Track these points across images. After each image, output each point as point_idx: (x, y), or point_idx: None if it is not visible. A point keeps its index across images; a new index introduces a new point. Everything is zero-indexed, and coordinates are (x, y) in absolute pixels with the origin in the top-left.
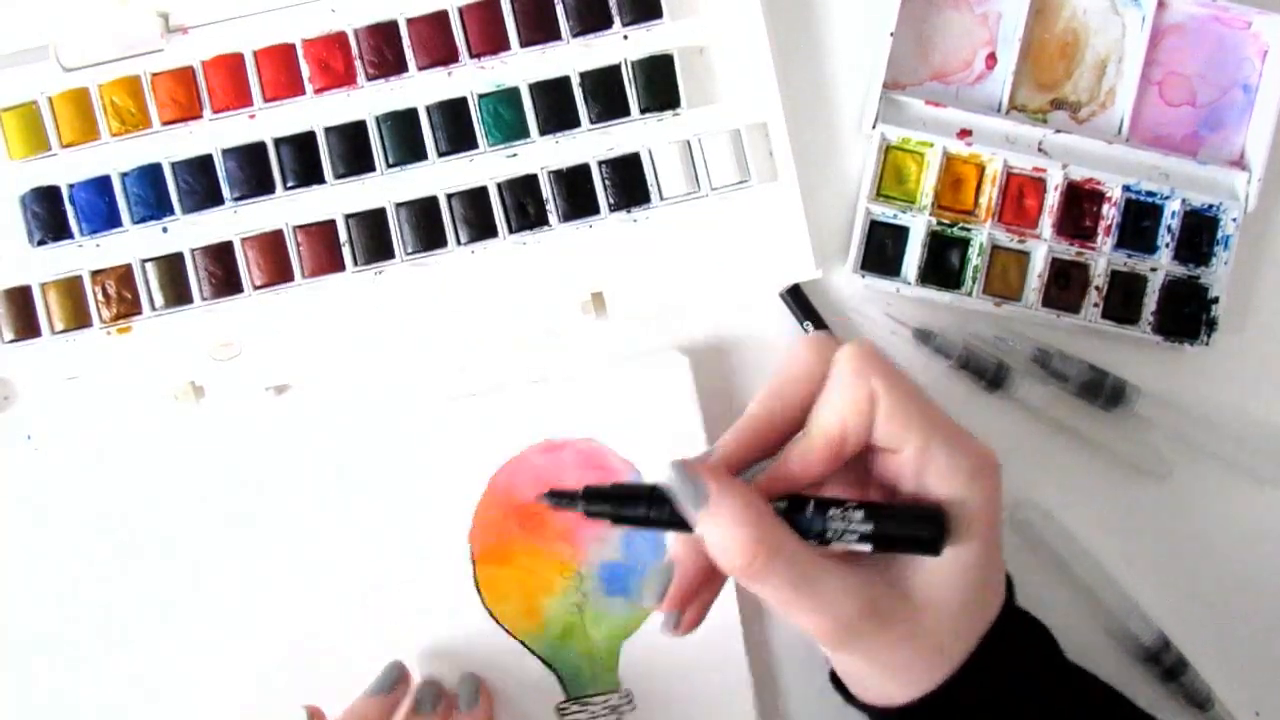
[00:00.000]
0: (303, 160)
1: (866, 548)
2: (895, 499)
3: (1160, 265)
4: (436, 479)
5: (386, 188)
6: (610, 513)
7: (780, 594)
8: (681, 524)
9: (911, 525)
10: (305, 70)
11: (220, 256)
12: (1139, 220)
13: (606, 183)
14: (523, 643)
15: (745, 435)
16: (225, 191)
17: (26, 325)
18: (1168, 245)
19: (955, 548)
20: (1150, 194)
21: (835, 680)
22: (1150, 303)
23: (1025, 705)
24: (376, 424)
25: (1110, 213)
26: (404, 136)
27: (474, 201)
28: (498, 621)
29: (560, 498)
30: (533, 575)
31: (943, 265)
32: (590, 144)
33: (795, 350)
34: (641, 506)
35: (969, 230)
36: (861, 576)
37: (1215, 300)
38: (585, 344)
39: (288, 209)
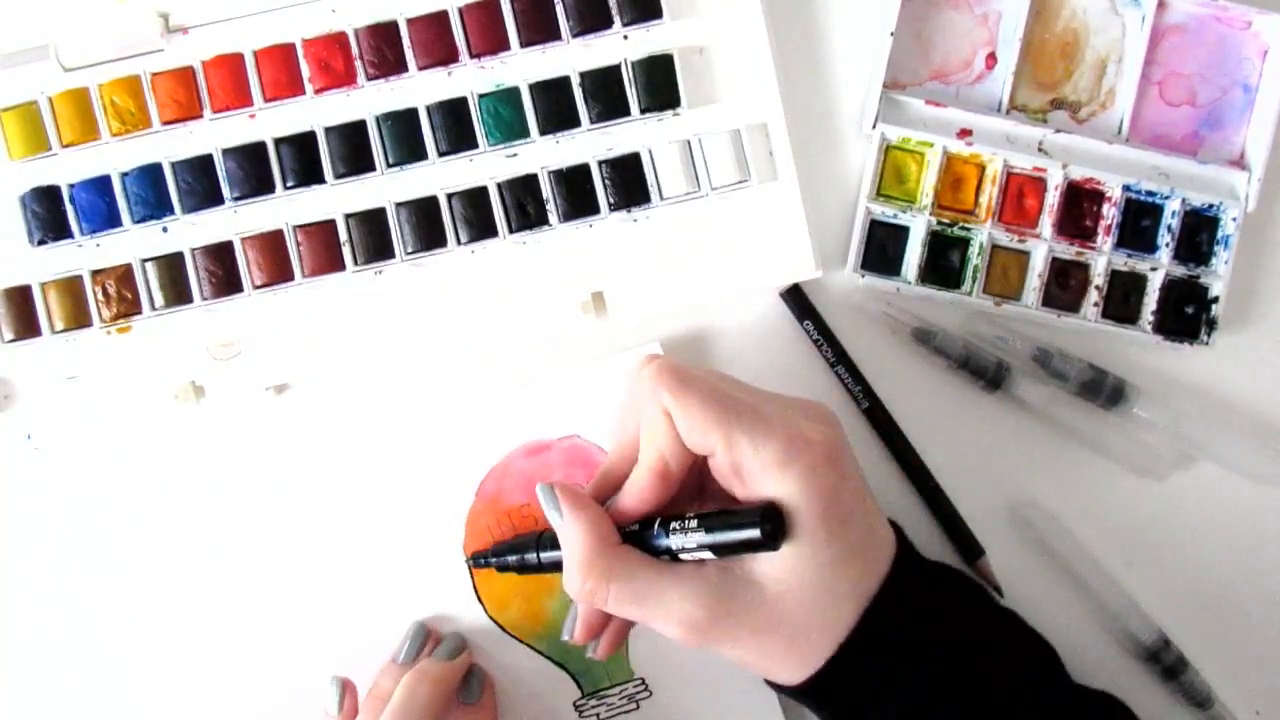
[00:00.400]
0: (303, 160)
1: (710, 555)
2: (731, 503)
3: (1160, 265)
4: (426, 490)
5: (386, 187)
6: (505, 563)
7: (626, 610)
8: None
9: (740, 529)
10: (305, 70)
11: (220, 256)
12: (1139, 220)
13: (606, 182)
14: (532, 646)
15: (608, 465)
16: (225, 191)
17: (26, 325)
18: (1168, 245)
19: (797, 535)
20: (1150, 194)
21: None
22: (1150, 302)
23: (920, 660)
24: (376, 424)
25: (1110, 212)
26: (404, 136)
27: (474, 201)
28: (503, 628)
29: (479, 559)
30: (532, 579)
31: (943, 265)
32: (590, 144)
33: (625, 396)
34: (531, 551)
35: (969, 230)
36: (709, 580)
37: (1215, 300)
38: (585, 344)
39: (288, 209)
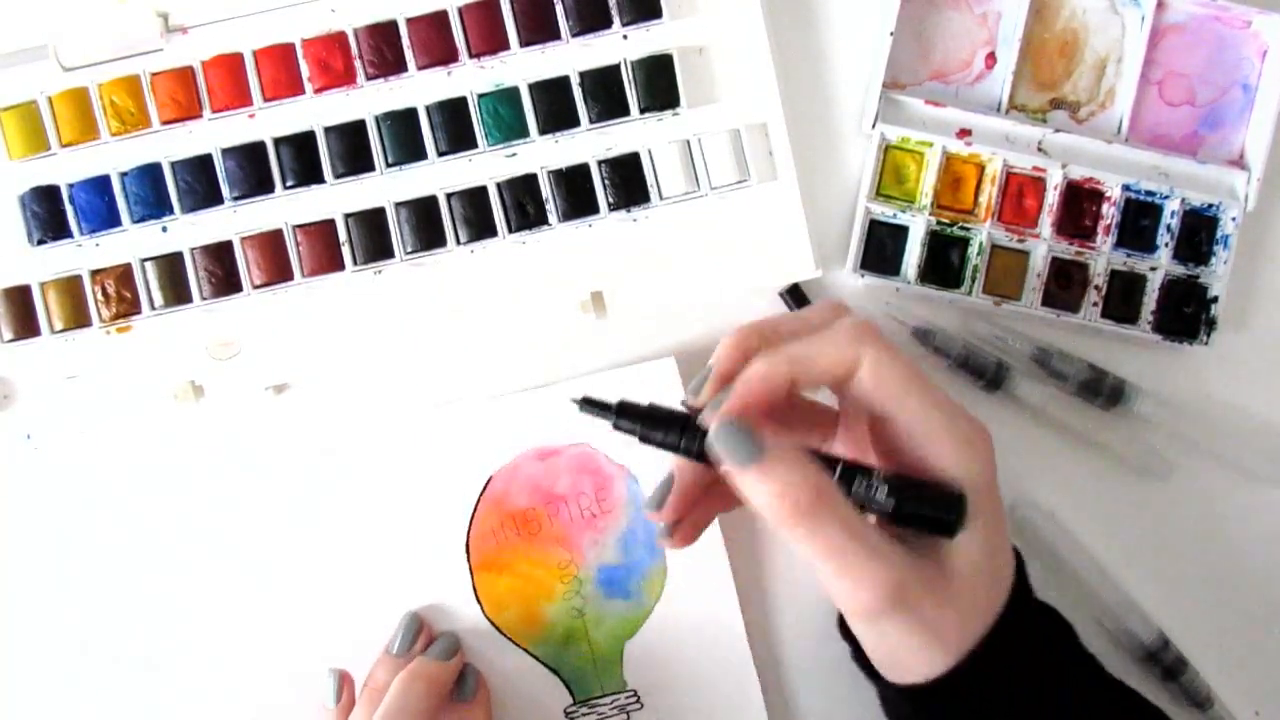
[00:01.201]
0: (302, 160)
1: (888, 510)
2: (896, 467)
3: (1160, 264)
4: (432, 488)
5: (386, 187)
6: (639, 432)
7: (833, 540)
8: (703, 457)
9: (932, 506)
10: (305, 70)
11: (220, 256)
12: (1138, 220)
13: (606, 182)
14: (526, 650)
15: (733, 361)
16: (225, 191)
17: (26, 325)
18: (1167, 244)
19: (971, 519)
20: (1150, 193)
21: (860, 662)
22: (1150, 302)
23: (1048, 676)
24: (376, 424)
25: (1110, 212)
26: (404, 136)
27: (473, 201)
28: (499, 630)
29: (592, 405)
30: (531, 582)
31: (942, 264)
32: (590, 144)
33: (810, 307)
34: (674, 434)
35: (968, 230)
36: (902, 545)
37: (1215, 299)
38: (585, 344)
39: (287, 208)
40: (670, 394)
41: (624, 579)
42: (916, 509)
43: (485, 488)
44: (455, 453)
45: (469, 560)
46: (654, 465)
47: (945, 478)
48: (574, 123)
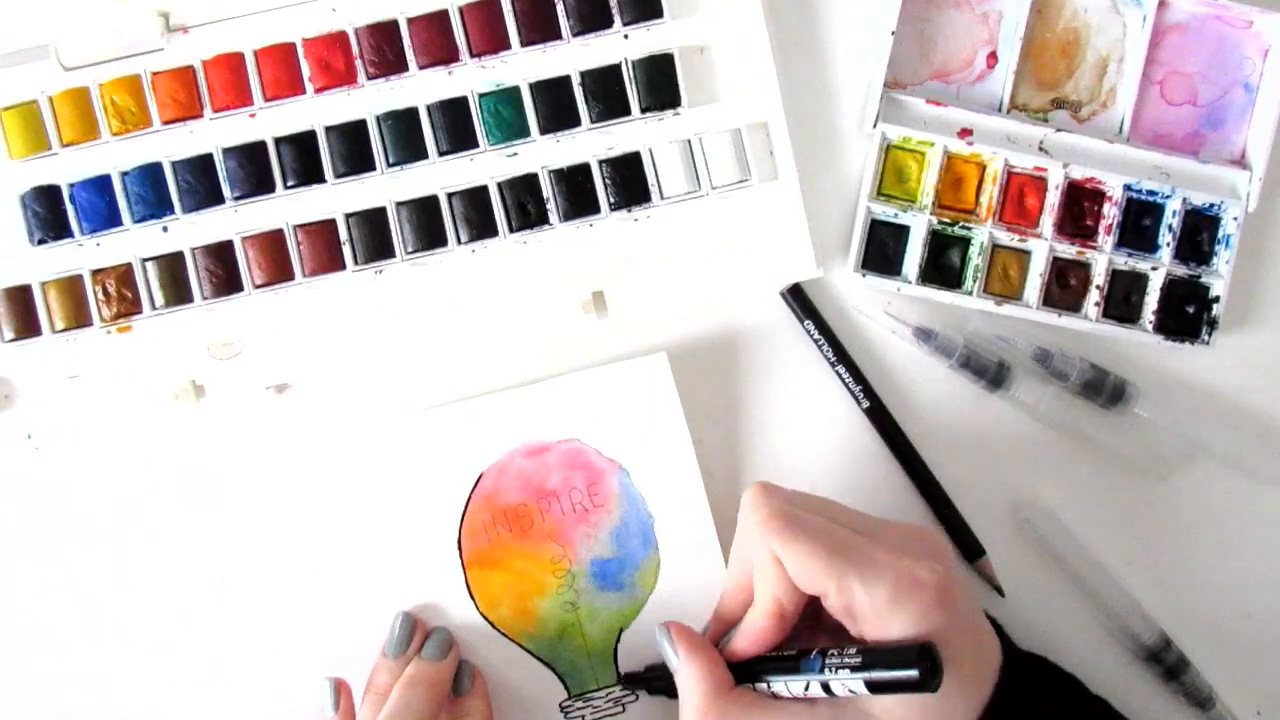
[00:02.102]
0: (303, 159)
1: (864, 692)
2: (845, 642)
3: (1161, 264)
4: (423, 486)
5: (387, 187)
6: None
7: None
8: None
9: (897, 665)
10: (306, 69)
11: (220, 256)
12: (1140, 219)
13: (607, 182)
14: (521, 645)
15: (723, 606)
16: (226, 191)
17: (27, 324)
18: (1169, 244)
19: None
20: (1151, 193)
21: None
22: (1151, 302)
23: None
24: (370, 424)
25: (1111, 212)
26: (404, 136)
27: (474, 201)
28: (494, 626)
29: (631, 680)
30: (524, 578)
31: (943, 264)
32: (591, 143)
33: (738, 533)
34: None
35: (970, 229)
36: (820, 716)
37: (1216, 299)
38: (586, 343)
39: (288, 208)
40: (661, 389)
41: (617, 571)
42: (881, 674)
43: (476, 484)
44: (445, 451)
45: (461, 557)
46: (645, 459)
47: (903, 635)
48: (575, 122)
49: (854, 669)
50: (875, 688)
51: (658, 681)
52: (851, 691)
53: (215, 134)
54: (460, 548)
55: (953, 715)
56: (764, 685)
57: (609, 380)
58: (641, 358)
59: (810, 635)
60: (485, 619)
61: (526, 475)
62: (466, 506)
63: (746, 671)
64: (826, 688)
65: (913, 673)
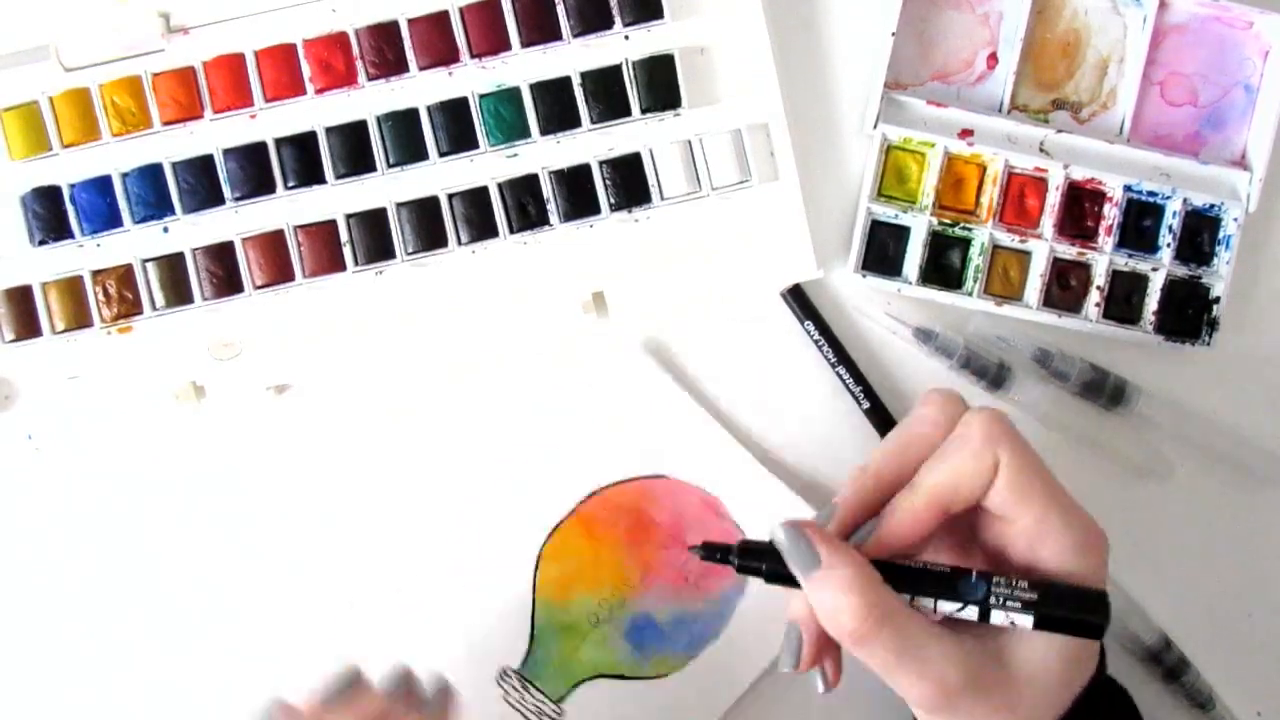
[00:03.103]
0: (303, 160)
1: (1028, 622)
2: (1000, 565)
3: (1161, 265)
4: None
5: (387, 188)
6: (735, 564)
7: (885, 658)
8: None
9: (1078, 609)
10: (306, 70)
11: (221, 256)
12: (1140, 220)
13: (607, 183)
14: (535, 598)
15: (865, 492)
16: (226, 191)
17: (27, 325)
18: (1169, 245)
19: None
20: (1152, 194)
21: None
22: (1151, 303)
23: None
24: (376, 424)
25: (1111, 212)
26: (405, 136)
27: (475, 201)
28: (535, 571)
29: (714, 551)
30: (596, 565)
31: (944, 265)
32: (591, 144)
33: (921, 409)
34: (764, 560)
35: (970, 230)
36: (966, 646)
37: (1216, 300)
38: (586, 343)
39: (288, 209)
40: (656, 390)
41: (649, 639)
42: (1061, 611)
43: (647, 478)
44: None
45: (575, 508)
46: (773, 523)
47: (1079, 581)
48: (575, 123)
49: (1027, 605)
50: (1044, 624)
51: (776, 568)
52: (1013, 624)
53: (216, 135)
54: (578, 505)
55: (1071, 681)
56: (905, 599)
57: (595, 384)
58: (629, 360)
59: (936, 552)
60: (536, 561)
61: (691, 513)
62: (624, 483)
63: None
64: (985, 614)
65: (1093, 617)
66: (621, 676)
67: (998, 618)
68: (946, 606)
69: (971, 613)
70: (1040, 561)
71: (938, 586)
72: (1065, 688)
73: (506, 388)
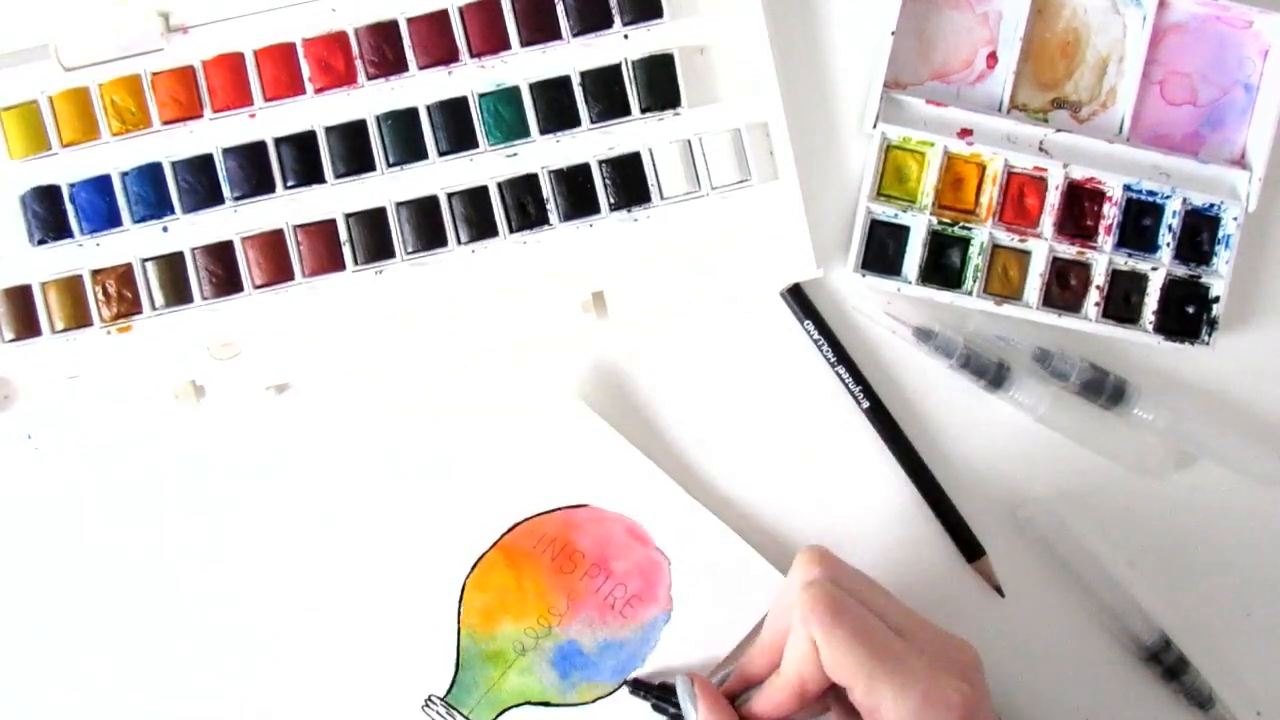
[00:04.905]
0: (303, 159)
1: None
2: None
3: (1161, 264)
4: (426, 504)
5: (387, 187)
6: (653, 703)
7: None
8: None
9: None
10: (306, 70)
11: (220, 256)
12: (1140, 219)
13: (607, 182)
14: (460, 630)
15: (749, 662)
16: (225, 191)
17: (27, 325)
18: (1169, 244)
19: None
20: (1151, 193)
21: None
22: (1151, 302)
23: None
24: (376, 424)
25: (1111, 212)
26: (404, 136)
27: (474, 201)
28: (459, 601)
29: (638, 688)
30: (521, 595)
31: (943, 265)
32: (590, 143)
33: (780, 592)
34: (669, 701)
35: (970, 230)
36: None
37: (1216, 299)
38: (586, 344)
39: (288, 208)
40: (584, 433)
41: (573, 665)
42: None
43: (570, 507)
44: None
45: (495, 542)
46: (690, 629)
47: None
48: (575, 122)
49: None
50: None
51: (663, 704)
52: None
53: (215, 134)
54: (501, 536)
55: None
56: None
57: (530, 429)
58: (559, 407)
59: (828, 702)
60: (461, 591)
61: (612, 542)
62: (548, 514)
63: None
64: None
65: None
66: (548, 704)
67: None
68: None
69: None
70: None
71: None
72: None
73: (428, 424)
